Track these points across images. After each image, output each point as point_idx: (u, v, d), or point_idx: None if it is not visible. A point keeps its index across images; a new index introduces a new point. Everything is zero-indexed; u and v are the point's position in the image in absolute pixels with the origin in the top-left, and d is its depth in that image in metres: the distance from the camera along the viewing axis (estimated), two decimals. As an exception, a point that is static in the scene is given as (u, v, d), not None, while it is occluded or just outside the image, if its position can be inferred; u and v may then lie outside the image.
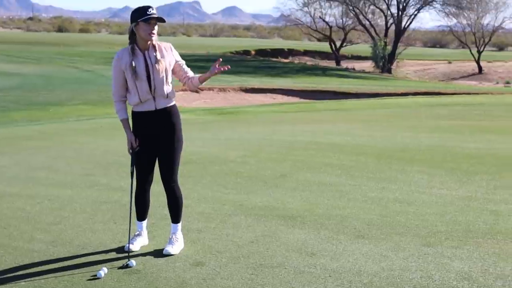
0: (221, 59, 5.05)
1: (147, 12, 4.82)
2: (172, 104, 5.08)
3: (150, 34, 4.85)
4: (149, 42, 4.92)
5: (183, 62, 5.14)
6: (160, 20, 4.88)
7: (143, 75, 4.91)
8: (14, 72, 30.44)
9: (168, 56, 5.01)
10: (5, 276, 4.65)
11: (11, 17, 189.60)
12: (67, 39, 64.56)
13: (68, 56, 42.93)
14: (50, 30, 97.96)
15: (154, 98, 4.97)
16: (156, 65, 4.90)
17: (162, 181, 5.13)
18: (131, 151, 5.05)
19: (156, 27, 4.89)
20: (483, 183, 7.60)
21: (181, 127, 5.14)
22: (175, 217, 5.20)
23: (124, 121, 5.07)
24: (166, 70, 4.97)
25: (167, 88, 4.99)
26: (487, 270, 4.68)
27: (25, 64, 35.51)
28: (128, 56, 4.92)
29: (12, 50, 45.16)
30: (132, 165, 5.07)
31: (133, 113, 5.06)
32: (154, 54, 4.93)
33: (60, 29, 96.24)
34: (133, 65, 4.87)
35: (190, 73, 5.14)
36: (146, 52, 4.94)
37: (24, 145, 10.86)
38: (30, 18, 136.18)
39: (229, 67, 5.07)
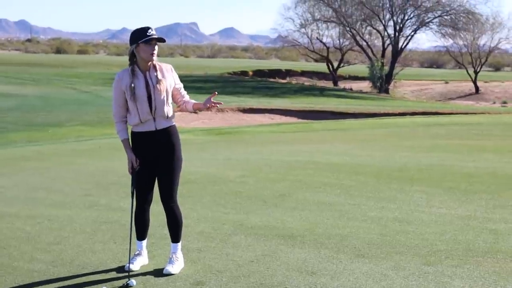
0: (216, 93, 5.11)
1: (147, 34, 4.86)
2: (172, 124, 5.11)
3: (152, 54, 4.89)
4: (149, 63, 4.95)
5: (181, 86, 5.18)
6: (161, 40, 4.92)
7: (143, 96, 4.93)
8: (12, 93, 30.52)
9: (169, 77, 5.05)
10: (5, 296, 4.64)
11: (9, 38, 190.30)
12: (65, 60, 64.81)
13: (66, 77, 43.11)
14: (48, 51, 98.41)
15: (154, 118, 4.99)
16: (158, 85, 4.93)
17: (162, 201, 5.13)
18: (131, 171, 5.07)
19: (156, 47, 4.93)
20: (482, 202, 7.61)
21: (180, 147, 5.16)
22: (175, 236, 5.20)
23: (125, 141, 5.09)
24: (167, 91, 4.99)
25: (168, 109, 5.02)
26: (488, 288, 4.68)
27: (24, 85, 35.63)
28: (128, 77, 4.95)
29: (10, 72, 45.34)
30: (132, 185, 5.08)
31: (133, 133, 5.08)
32: (155, 74, 4.97)
33: (58, 51, 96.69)
34: (132, 86, 4.91)
35: (186, 97, 5.19)
36: (147, 72, 4.97)
37: (23, 166, 10.87)
38: (29, 40, 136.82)
39: (222, 103, 5.14)
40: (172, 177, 5.09)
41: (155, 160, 5.06)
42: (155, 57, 4.93)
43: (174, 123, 5.14)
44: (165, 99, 4.98)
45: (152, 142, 5.02)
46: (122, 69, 5.12)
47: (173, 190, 5.11)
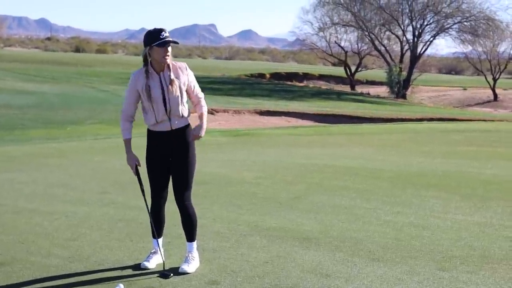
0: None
1: (160, 36, 4.88)
2: (187, 123, 5.15)
3: (165, 57, 4.92)
4: (163, 64, 5.00)
5: (195, 85, 5.16)
6: (175, 42, 4.96)
7: (159, 97, 4.97)
8: (32, 91, 30.78)
9: (183, 76, 5.07)
10: (23, 290, 4.71)
11: (29, 37, 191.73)
12: (84, 59, 65.22)
13: (85, 76, 43.40)
14: (67, 50, 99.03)
15: (169, 118, 5.03)
16: (170, 86, 4.97)
17: (176, 199, 5.17)
18: (134, 171, 5.15)
19: (170, 49, 4.97)
20: (498, 209, 7.58)
21: (194, 147, 5.20)
22: (190, 235, 5.23)
23: (127, 142, 5.15)
24: (181, 90, 5.02)
25: (182, 108, 5.05)
26: (503, 295, 4.67)
27: (43, 83, 35.90)
28: (143, 78, 5.00)
29: (30, 69, 45.73)
30: (140, 184, 5.20)
31: (149, 131, 5.14)
32: (169, 74, 4.99)
33: (77, 49, 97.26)
34: (148, 87, 4.96)
35: (202, 101, 5.20)
36: (161, 73, 5.00)
37: (42, 163, 10.98)
38: (48, 38, 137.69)
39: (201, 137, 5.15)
40: (186, 176, 5.13)
41: (169, 158, 5.11)
42: (168, 59, 4.97)
43: (189, 122, 5.18)
44: (179, 98, 5.01)
45: (168, 141, 5.07)
46: (138, 68, 5.15)
47: (187, 189, 5.15)
